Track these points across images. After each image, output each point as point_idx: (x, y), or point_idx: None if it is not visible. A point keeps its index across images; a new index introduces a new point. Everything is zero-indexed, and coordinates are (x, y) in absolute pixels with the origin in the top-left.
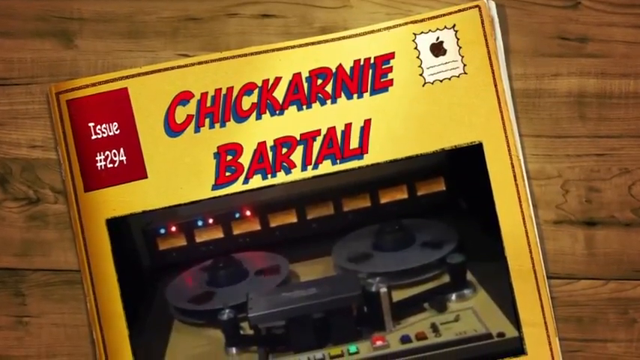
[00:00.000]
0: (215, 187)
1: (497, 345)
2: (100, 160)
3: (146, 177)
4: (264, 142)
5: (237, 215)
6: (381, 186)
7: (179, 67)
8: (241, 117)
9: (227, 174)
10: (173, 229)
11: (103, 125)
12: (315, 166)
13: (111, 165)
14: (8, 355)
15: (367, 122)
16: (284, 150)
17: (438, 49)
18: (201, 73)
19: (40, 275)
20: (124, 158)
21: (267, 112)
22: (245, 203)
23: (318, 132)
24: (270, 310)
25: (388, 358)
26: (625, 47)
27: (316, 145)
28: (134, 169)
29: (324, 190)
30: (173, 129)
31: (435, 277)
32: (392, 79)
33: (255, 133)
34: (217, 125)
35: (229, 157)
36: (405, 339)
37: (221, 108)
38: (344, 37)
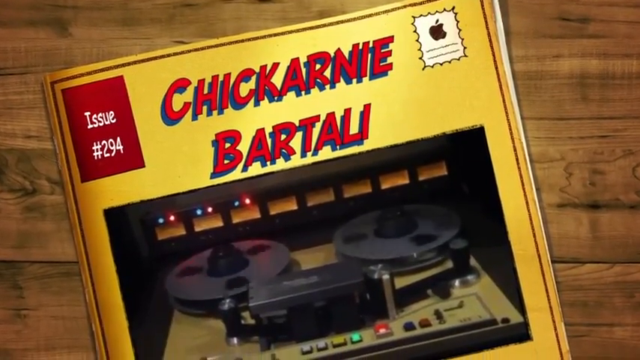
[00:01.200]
0: (214, 175)
1: (502, 331)
2: (97, 150)
3: (143, 166)
4: (263, 128)
5: (236, 203)
6: (382, 171)
7: (175, 54)
8: (239, 104)
9: (225, 162)
10: (172, 218)
11: (99, 114)
12: (315, 153)
13: (108, 154)
14: (7, 349)
15: (367, 107)
16: (283, 136)
17: (437, 32)
18: (197, 60)
19: (38, 267)
20: (120, 147)
21: (266, 98)
22: (244, 191)
23: (317, 118)
24: (272, 299)
25: (392, 346)
26: (627, 27)
27: (315, 131)
28: (131, 159)
29: (324, 176)
30: (170, 117)
31: (437, 263)
32: (391, 63)
33: (254, 119)
34: (215, 112)
35: (227, 145)
36: (409, 326)
37: (218, 95)
38: (342, 22)
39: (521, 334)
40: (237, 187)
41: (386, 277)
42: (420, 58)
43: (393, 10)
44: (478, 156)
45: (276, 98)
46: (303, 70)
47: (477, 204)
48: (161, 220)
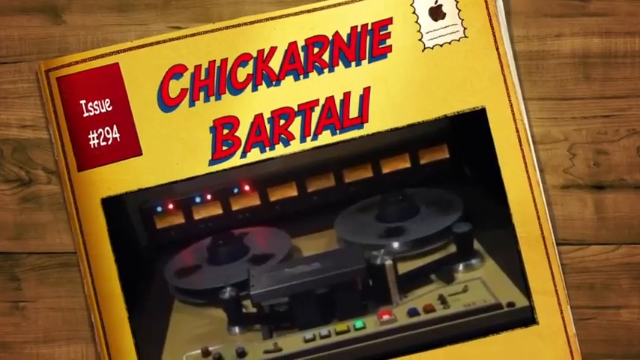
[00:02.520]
0: (212, 162)
1: (507, 315)
2: (93, 139)
3: (141, 154)
4: (261, 114)
5: (235, 190)
6: (383, 155)
7: (171, 39)
8: (237, 89)
9: (224, 148)
10: (170, 206)
11: (95, 102)
12: (315, 137)
13: (104, 143)
14: (5, 342)
15: (366, 90)
16: (282, 122)
17: (436, 12)
18: (194, 46)
19: (35, 259)
20: (117, 135)
21: (263, 83)
22: (243, 178)
23: (317, 102)
24: (273, 286)
25: (396, 332)
26: (629, 5)
27: (315, 116)
28: (128, 147)
29: (325, 161)
30: (167, 104)
31: (441, 247)
32: (390, 46)
33: (252, 105)
34: (212, 98)
35: (226, 131)
36: (413, 312)
37: (216, 80)
38: (340, 4)
39: (526, 318)
40: (236, 173)
41: (389, 262)
42: (420, 40)
43: None
44: (480, 138)
45: (274, 83)
46: (301, 54)
47: (480, 187)
48: (159, 209)
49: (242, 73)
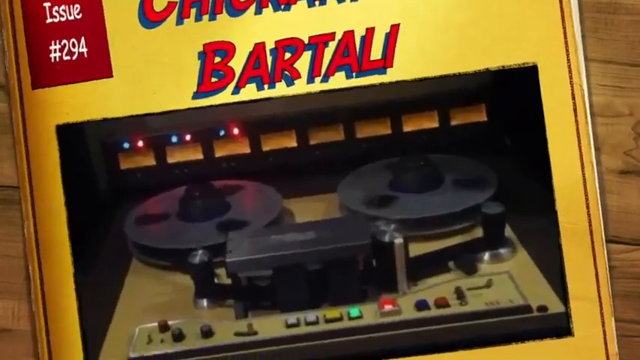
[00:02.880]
0: (197, 95)
1: (537, 321)
2: (55, 51)
3: (111, 76)
4: (263, 43)
5: (221, 133)
6: (406, 110)
7: None
8: (236, 10)
9: (213, 80)
10: (140, 144)
11: (62, 6)
12: (325, 79)
13: (68, 57)
14: None
15: (394, 28)
16: (287, 55)
17: None
18: None
19: None
20: (84, 50)
21: (270, 5)
22: (233, 119)
23: (332, 36)
24: (255, 255)
25: (398, 327)
26: None
27: (328, 52)
28: (97, 65)
29: (334, 109)
30: (150, 18)
31: (464, 229)
32: None
33: (253, 31)
34: (205, 18)
35: (217, 59)
36: (422, 305)
37: None
38: None
39: (560, 327)
40: (225, 112)
41: (399, 240)
42: None
43: None
44: (527, 101)
45: (282, 7)
46: None
47: (521, 161)
48: (127, 145)
49: None
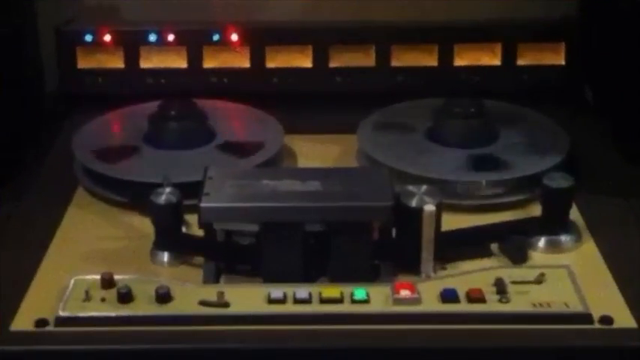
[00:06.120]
0: None
1: (598, 335)
2: None
3: None
4: None
5: (215, 37)
6: (460, 38)
7: None
8: None
9: None
10: (107, 37)
11: None
12: None
13: None
14: None
15: None
16: None
17: None
18: None
19: None
20: None
21: None
22: (232, 20)
23: None
24: (238, 202)
25: (414, 321)
26: None
27: None
28: None
29: (364, 25)
30: None
31: (517, 203)
32: None
33: None
34: None
35: None
36: (449, 295)
37: None
38: None
39: (628, 347)
40: (222, 9)
41: (429, 207)
42: None
43: None
44: (620, 46)
45: None
46: None
47: (604, 122)
48: (89, 37)
49: None
